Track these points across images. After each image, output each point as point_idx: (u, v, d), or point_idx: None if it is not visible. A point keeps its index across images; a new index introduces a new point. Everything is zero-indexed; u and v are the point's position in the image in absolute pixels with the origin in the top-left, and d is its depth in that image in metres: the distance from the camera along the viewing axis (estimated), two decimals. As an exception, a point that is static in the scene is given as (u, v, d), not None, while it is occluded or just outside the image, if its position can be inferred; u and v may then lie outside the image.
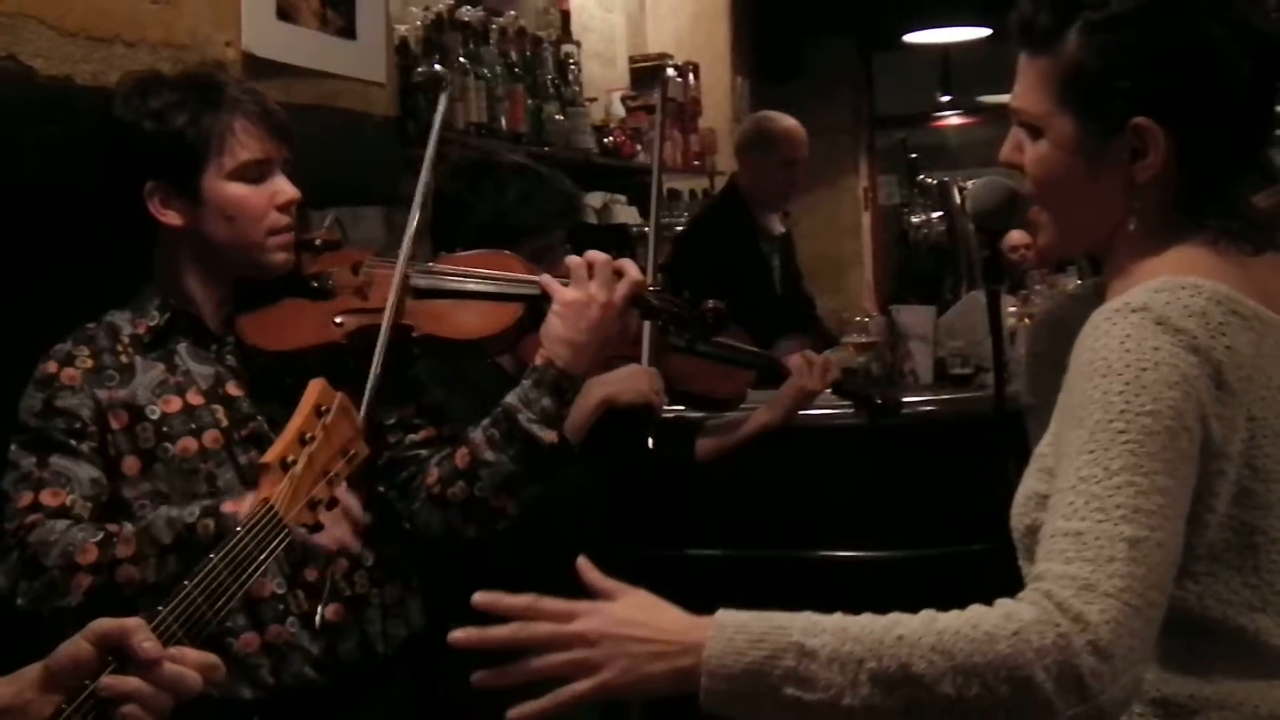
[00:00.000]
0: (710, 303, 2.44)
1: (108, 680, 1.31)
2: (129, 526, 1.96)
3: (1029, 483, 1.55)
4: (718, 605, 3.58)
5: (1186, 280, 1.41)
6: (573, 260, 2.16)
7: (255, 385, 2.12)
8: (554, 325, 2.12)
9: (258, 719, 2.05)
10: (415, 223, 2.19)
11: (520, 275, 2.20)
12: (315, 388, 1.70)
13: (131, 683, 1.31)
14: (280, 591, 2.05)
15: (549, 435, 2.11)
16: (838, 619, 1.33)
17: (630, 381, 2.64)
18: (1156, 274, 1.43)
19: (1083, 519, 1.30)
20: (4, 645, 1.63)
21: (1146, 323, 1.37)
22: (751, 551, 3.69)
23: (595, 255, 2.16)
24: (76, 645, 1.33)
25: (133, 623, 1.35)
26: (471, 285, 2.19)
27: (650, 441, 2.68)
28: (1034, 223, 1.58)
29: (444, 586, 2.32)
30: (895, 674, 1.26)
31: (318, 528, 1.69)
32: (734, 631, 1.33)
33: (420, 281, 2.17)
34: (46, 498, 1.96)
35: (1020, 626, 1.25)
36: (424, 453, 2.18)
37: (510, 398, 2.12)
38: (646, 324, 2.70)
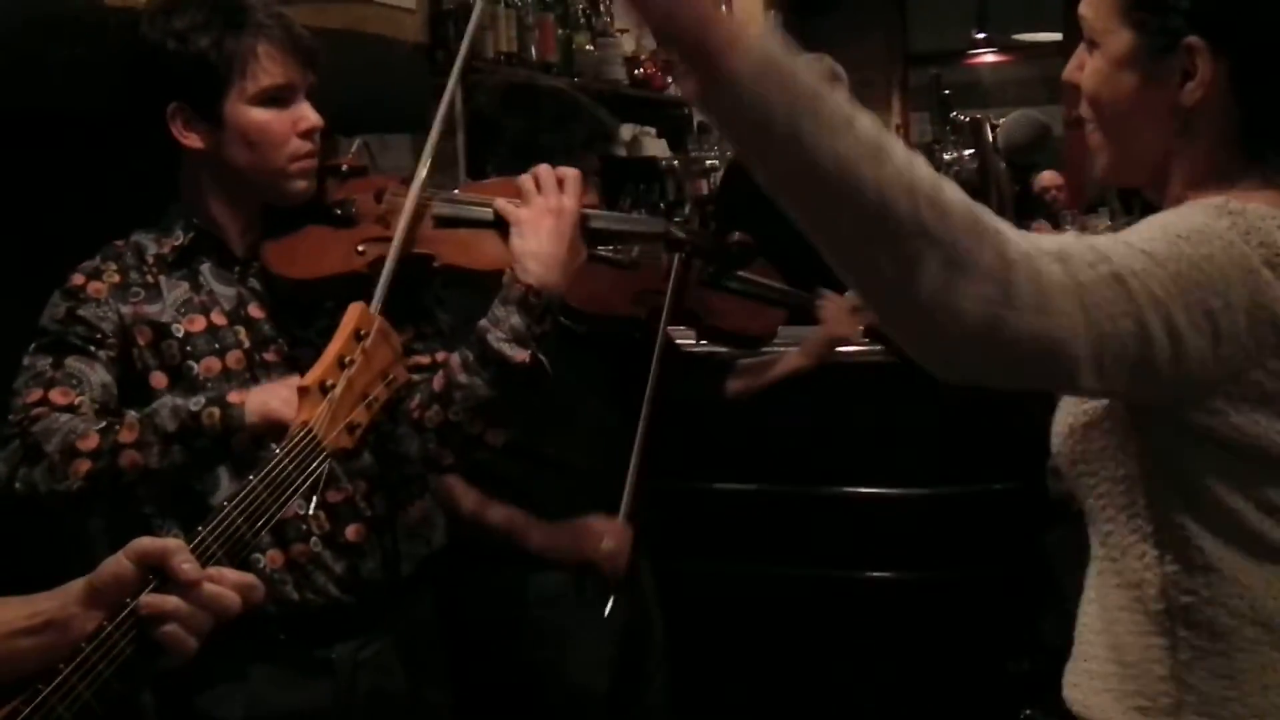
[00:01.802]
0: (736, 235, 2.44)
1: (148, 599, 1.33)
2: (132, 414, 1.96)
3: (1069, 414, 1.55)
4: (744, 540, 3.62)
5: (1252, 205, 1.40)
6: (519, 180, 2.13)
7: (278, 309, 2.13)
8: (515, 243, 2.08)
9: (283, 635, 2.07)
10: (431, 149, 2.15)
11: (483, 198, 2.17)
12: (354, 311, 1.71)
13: (171, 602, 1.33)
14: (303, 512, 2.07)
15: (519, 354, 2.03)
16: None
17: (571, 538, 2.63)
18: None
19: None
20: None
21: (1229, 219, 1.37)
22: (779, 486, 3.70)
23: (539, 168, 2.13)
24: (118, 563, 1.35)
25: (174, 543, 1.37)
26: (492, 214, 2.16)
27: (607, 607, 2.61)
28: (1092, 147, 1.56)
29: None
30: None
31: (357, 452, 1.69)
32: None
33: (443, 210, 2.15)
34: (55, 396, 1.97)
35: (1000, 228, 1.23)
36: (416, 377, 2.13)
37: (483, 320, 2.07)
38: (675, 258, 2.69)
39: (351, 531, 2.12)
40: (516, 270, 2.06)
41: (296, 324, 2.13)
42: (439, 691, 2.29)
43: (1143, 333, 1.27)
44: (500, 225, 2.13)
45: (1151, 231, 1.35)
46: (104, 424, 1.94)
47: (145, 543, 1.36)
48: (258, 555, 2.03)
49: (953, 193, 1.19)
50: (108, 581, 1.35)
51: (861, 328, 3.07)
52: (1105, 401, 1.48)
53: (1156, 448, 1.45)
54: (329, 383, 1.63)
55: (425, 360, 2.17)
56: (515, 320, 2.04)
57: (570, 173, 2.13)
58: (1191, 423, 1.39)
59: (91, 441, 1.92)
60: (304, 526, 2.08)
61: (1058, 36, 9.17)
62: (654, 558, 2.96)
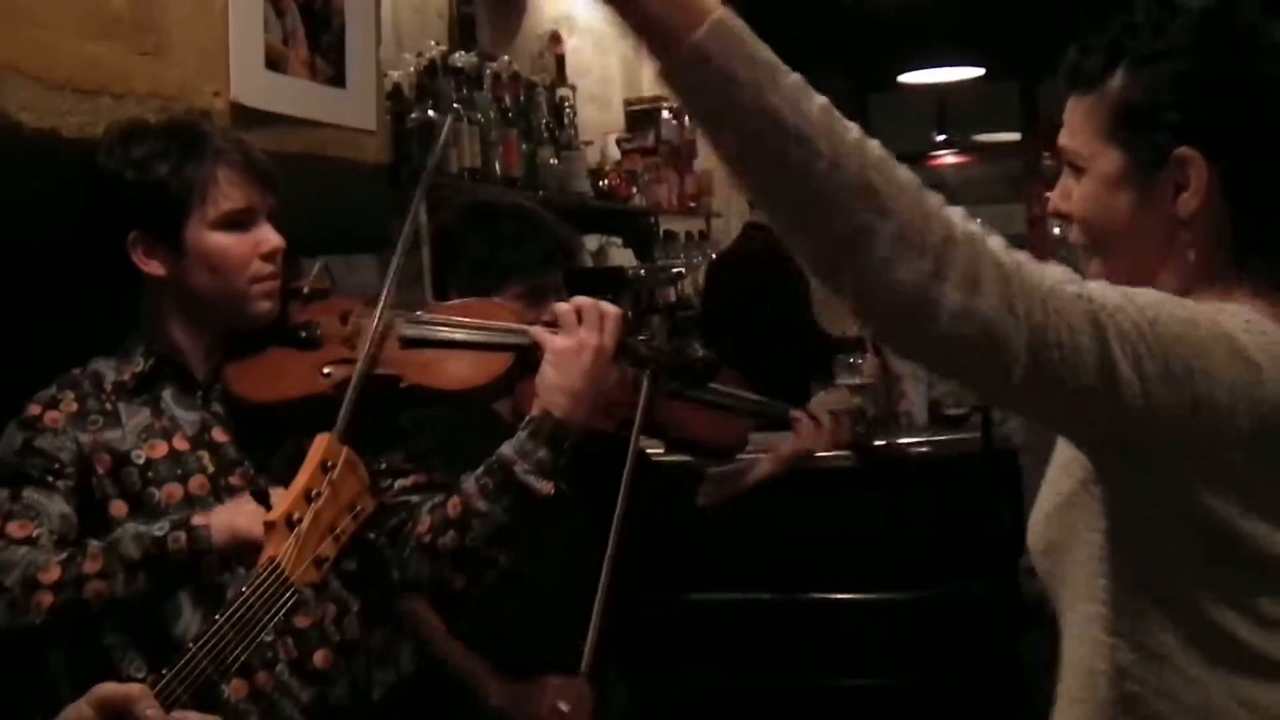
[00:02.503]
0: (700, 351, 2.45)
1: None
2: (95, 543, 1.94)
3: (1045, 503, 1.54)
4: (722, 651, 3.61)
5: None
6: (560, 307, 2.14)
7: (242, 433, 2.12)
8: (548, 375, 2.10)
9: None
10: (395, 270, 2.16)
11: (510, 324, 2.19)
12: (321, 442, 1.69)
13: None
14: (269, 639, 2.04)
15: (545, 487, 2.07)
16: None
17: (525, 697, 2.58)
18: None
19: None
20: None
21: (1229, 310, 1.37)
22: (750, 594, 3.70)
23: (582, 301, 2.15)
24: (79, 710, 1.32)
25: (136, 689, 1.34)
26: (460, 335, 2.18)
27: None
28: (1086, 269, 1.54)
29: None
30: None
31: (324, 586, 1.68)
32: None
33: (408, 331, 2.16)
34: (13, 529, 1.95)
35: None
36: (414, 499, 2.15)
37: (505, 448, 2.09)
38: (643, 375, 2.69)
39: (319, 658, 2.09)
40: (545, 403, 2.09)
41: (261, 448, 2.11)
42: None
43: (1105, 360, 1.25)
44: (520, 349, 2.14)
45: (1143, 290, 1.34)
46: (66, 555, 1.92)
47: (107, 689, 1.34)
48: (221, 687, 2.00)
49: (903, 171, 1.22)
50: None
51: (833, 442, 3.10)
52: (1078, 481, 1.46)
53: (1124, 527, 1.42)
54: (295, 516, 1.61)
55: (418, 480, 2.17)
56: (543, 454, 2.07)
57: (612, 310, 2.15)
58: (1161, 495, 1.37)
59: (54, 574, 1.89)
60: (269, 654, 2.05)
61: (1016, 136, 9.33)
62: (632, 672, 2.93)
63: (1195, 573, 1.39)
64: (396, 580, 2.15)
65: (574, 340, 2.11)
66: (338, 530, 1.66)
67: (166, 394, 2.11)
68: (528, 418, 2.12)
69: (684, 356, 2.39)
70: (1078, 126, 1.51)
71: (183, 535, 1.90)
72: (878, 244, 1.19)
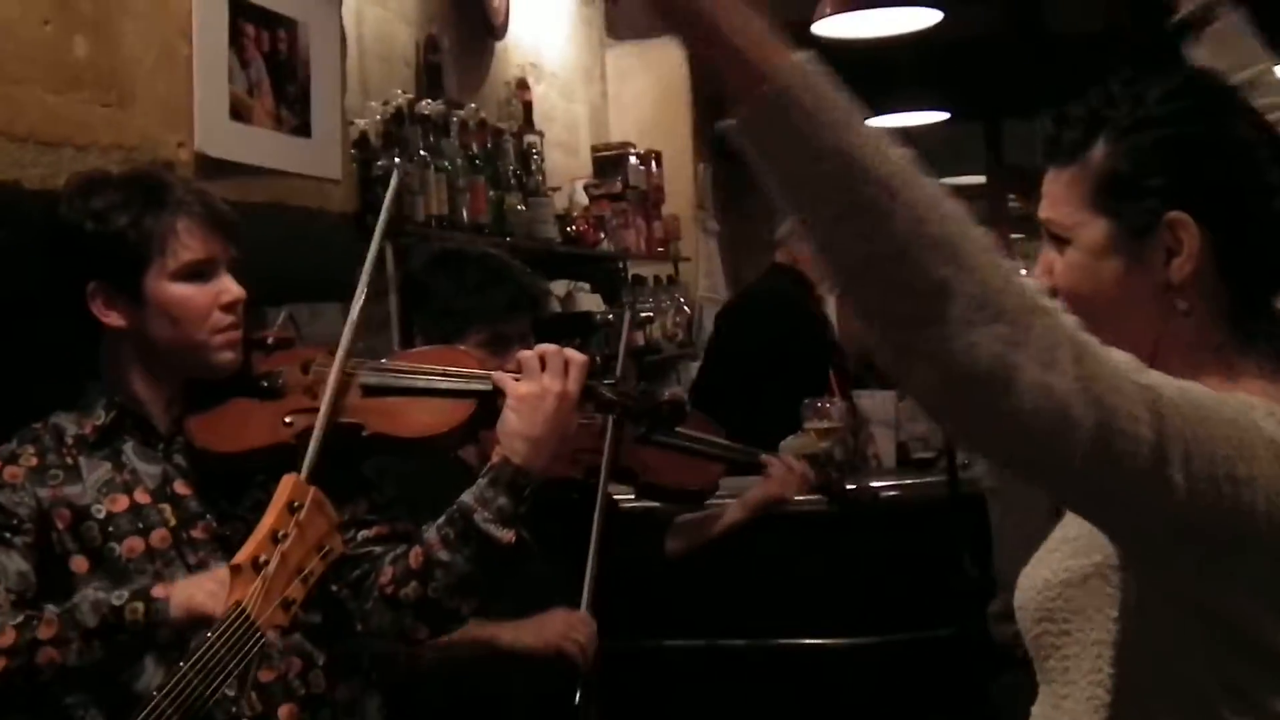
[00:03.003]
0: (667, 394, 2.45)
1: None
2: (51, 608, 1.93)
3: (1045, 570, 1.52)
4: (688, 693, 3.60)
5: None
6: (523, 355, 2.14)
7: (204, 485, 2.11)
8: (510, 421, 2.10)
9: None
10: (353, 319, 2.16)
11: (472, 370, 2.18)
12: (288, 483, 1.70)
13: None
14: (232, 693, 2.02)
15: (506, 535, 2.06)
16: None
17: (538, 630, 2.61)
18: None
19: None
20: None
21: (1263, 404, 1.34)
22: (720, 640, 3.70)
23: (546, 347, 2.14)
24: None
25: None
26: (422, 382, 2.17)
27: (576, 696, 2.62)
28: None
29: (403, 684, 2.33)
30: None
31: (292, 629, 1.66)
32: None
33: (369, 379, 2.15)
34: None
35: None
36: (377, 549, 2.14)
37: (466, 496, 2.09)
38: (608, 420, 2.70)
39: (284, 712, 2.07)
40: (505, 450, 2.08)
41: (225, 499, 2.10)
42: None
43: (1158, 453, 1.22)
44: (483, 395, 2.13)
45: (1193, 385, 1.31)
46: (21, 619, 1.91)
47: None
48: None
49: (982, 230, 1.19)
50: None
51: (804, 487, 3.09)
52: (1094, 563, 1.45)
53: (1140, 617, 1.41)
54: (262, 558, 1.61)
55: (381, 531, 2.16)
56: (503, 502, 2.06)
57: (577, 358, 2.14)
58: (1184, 591, 1.35)
59: (7, 638, 1.88)
60: (233, 709, 2.02)
61: (981, 179, 9.40)
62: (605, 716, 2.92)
63: (1208, 670, 1.37)
64: (360, 632, 2.13)
65: (537, 386, 2.10)
66: (306, 571, 1.66)
67: (128, 447, 2.10)
68: (488, 465, 2.11)
69: (650, 400, 2.39)
70: (1060, 198, 1.49)
71: (140, 606, 1.89)
72: (956, 303, 1.15)
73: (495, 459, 2.10)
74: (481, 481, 2.09)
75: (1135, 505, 1.26)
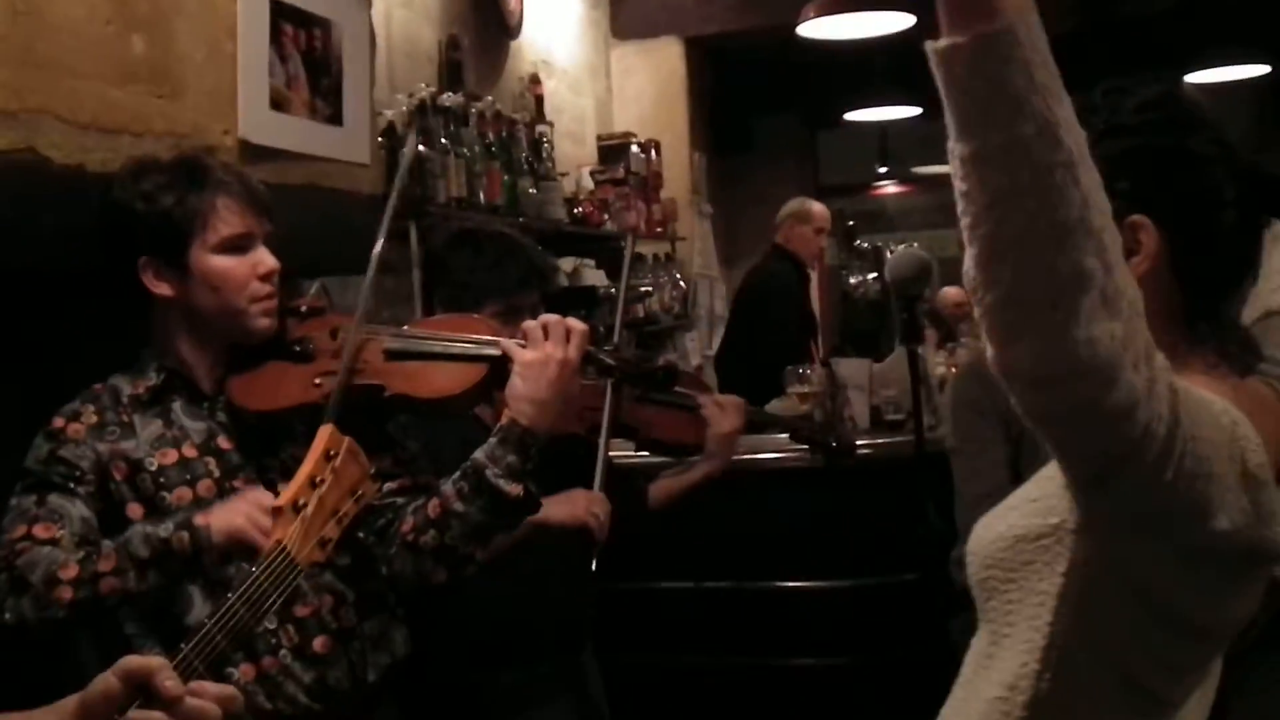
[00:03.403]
0: (661, 359, 2.46)
1: (134, 714, 1.31)
2: (108, 543, 1.95)
3: (1001, 524, 1.51)
4: (682, 634, 3.60)
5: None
6: (528, 324, 2.14)
7: (244, 439, 2.12)
8: (516, 385, 2.10)
9: None
10: (369, 287, 2.15)
11: (484, 337, 2.18)
12: (324, 433, 1.70)
13: (155, 717, 1.32)
14: (272, 626, 2.05)
15: (514, 489, 2.07)
16: None
17: (566, 505, 2.61)
18: None
19: None
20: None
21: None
22: (707, 583, 3.73)
23: (549, 317, 2.15)
24: (107, 681, 1.33)
25: (157, 662, 1.34)
26: (439, 347, 2.17)
27: (593, 563, 2.65)
28: None
29: (427, 617, 2.35)
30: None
31: (328, 564, 1.66)
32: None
33: (392, 344, 2.16)
34: (38, 530, 1.95)
35: None
36: (399, 500, 2.16)
37: (478, 453, 2.10)
38: (608, 383, 2.70)
39: (319, 643, 2.09)
40: (513, 412, 2.09)
41: (263, 453, 2.12)
42: (403, 790, 2.25)
43: (1166, 451, 1.22)
44: (493, 360, 2.13)
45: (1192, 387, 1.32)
46: (83, 554, 1.93)
47: (131, 661, 1.34)
48: (230, 669, 2.00)
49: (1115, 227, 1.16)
50: (97, 699, 1.33)
51: (739, 415, 3.04)
52: (1052, 525, 1.45)
53: (1084, 579, 1.41)
54: (300, 501, 1.62)
55: (403, 484, 2.18)
56: (511, 459, 2.07)
57: (578, 326, 2.15)
58: (1130, 564, 1.37)
59: (72, 571, 1.90)
60: (274, 640, 2.05)
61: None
62: (601, 654, 2.94)
63: (1136, 634, 1.40)
64: (384, 574, 2.15)
65: (540, 353, 2.10)
66: (340, 513, 1.67)
67: (176, 405, 2.11)
68: (498, 426, 2.12)
69: (646, 364, 2.40)
70: None
71: (185, 535, 1.91)
72: (1091, 294, 1.12)
73: (504, 420, 2.11)
74: (492, 440, 2.10)
75: (1130, 487, 1.27)
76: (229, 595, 1.49)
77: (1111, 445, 1.22)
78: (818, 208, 6.33)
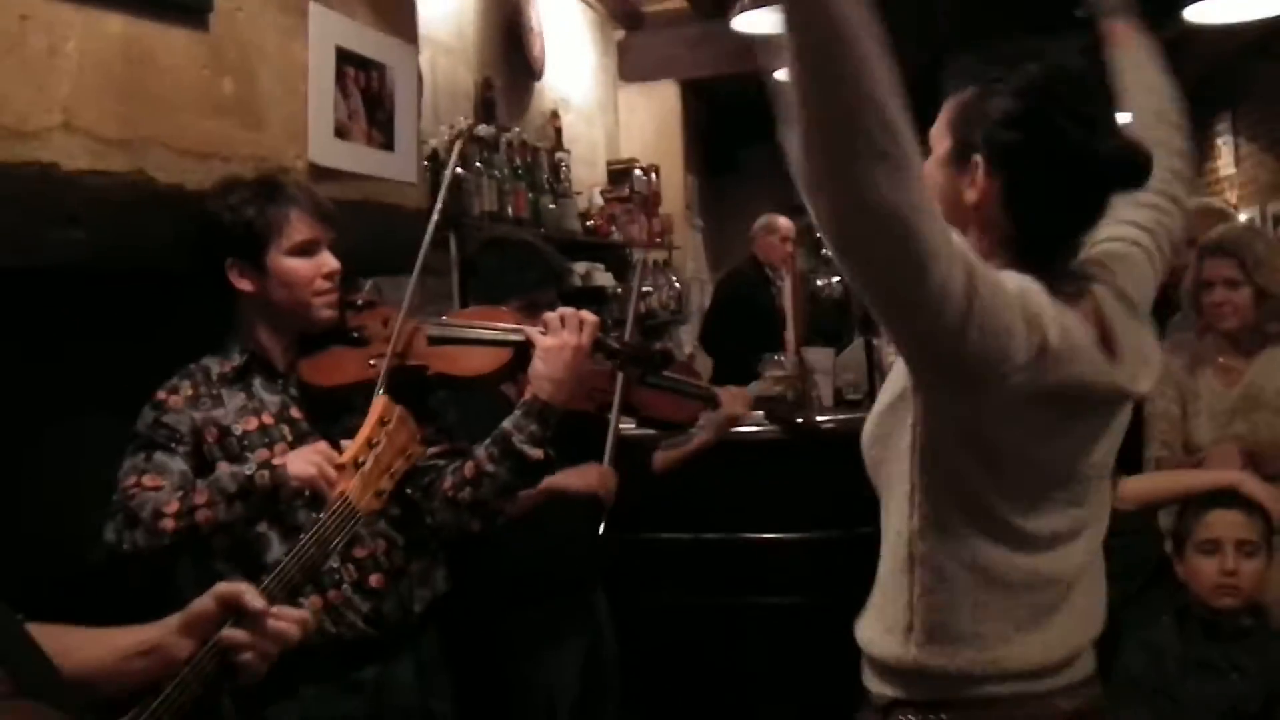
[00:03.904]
0: (658, 345, 2.48)
1: (228, 632, 1.34)
2: (202, 482, 1.97)
3: (876, 407, 1.56)
4: (678, 578, 3.59)
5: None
6: (548, 315, 2.16)
7: (312, 411, 2.15)
8: (537, 367, 2.13)
9: (326, 661, 2.06)
10: (415, 284, 2.18)
11: (510, 325, 2.20)
12: (380, 403, 1.71)
13: (246, 635, 1.34)
14: (336, 565, 2.08)
15: (535, 453, 2.10)
16: None
17: (581, 476, 2.64)
18: None
19: None
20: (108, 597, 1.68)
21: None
22: (698, 535, 3.74)
23: (565, 310, 2.17)
24: (203, 603, 1.36)
25: (244, 586, 1.38)
26: (472, 334, 2.20)
27: (601, 527, 2.68)
28: None
29: (464, 562, 2.38)
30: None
31: (383, 511, 1.69)
32: None
33: (433, 332, 2.19)
34: (146, 480, 1.98)
35: None
36: (440, 463, 2.18)
37: (506, 423, 2.12)
38: (615, 365, 2.72)
39: (374, 580, 2.12)
40: (535, 389, 2.11)
41: (327, 422, 2.13)
42: (444, 704, 2.28)
43: (965, 313, 1.27)
44: (517, 345, 2.16)
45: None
46: (181, 493, 1.96)
47: (223, 586, 1.37)
48: (301, 599, 2.03)
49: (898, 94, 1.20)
50: (196, 617, 1.36)
51: (747, 404, 3.12)
52: (900, 388, 1.49)
53: (929, 430, 1.44)
54: (360, 459, 1.63)
55: (444, 449, 2.20)
56: (534, 428, 2.10)
57: (590, 318, 2.17)
58: (956, 414, 1.40)
59: (173, 506, 1.93)
60: (337, 576, 2.08)
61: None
62: (610, 594, 2.97)
63: (978, 472, 1.43)
64: (428, 524, 2.18)
65: (558, 340, 2.12)
66: (393, 469, 1.67)
67: (256, 382, 2.13)
68: (522, 400, 2.14)
69: (645, 349, 2.43)
70: (941, 118, 1.54)
71: (266, 473, 1.93)
72: (878, 160, 1.18)
73: (527, 395, 2.13)
74: (517, 413, 2.13)
75: (937, 344, 1.31)
76: (302, 536, 1.51)
77: (913, 294, 1.25)
78: (783, 220, 6.25)
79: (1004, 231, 1.47)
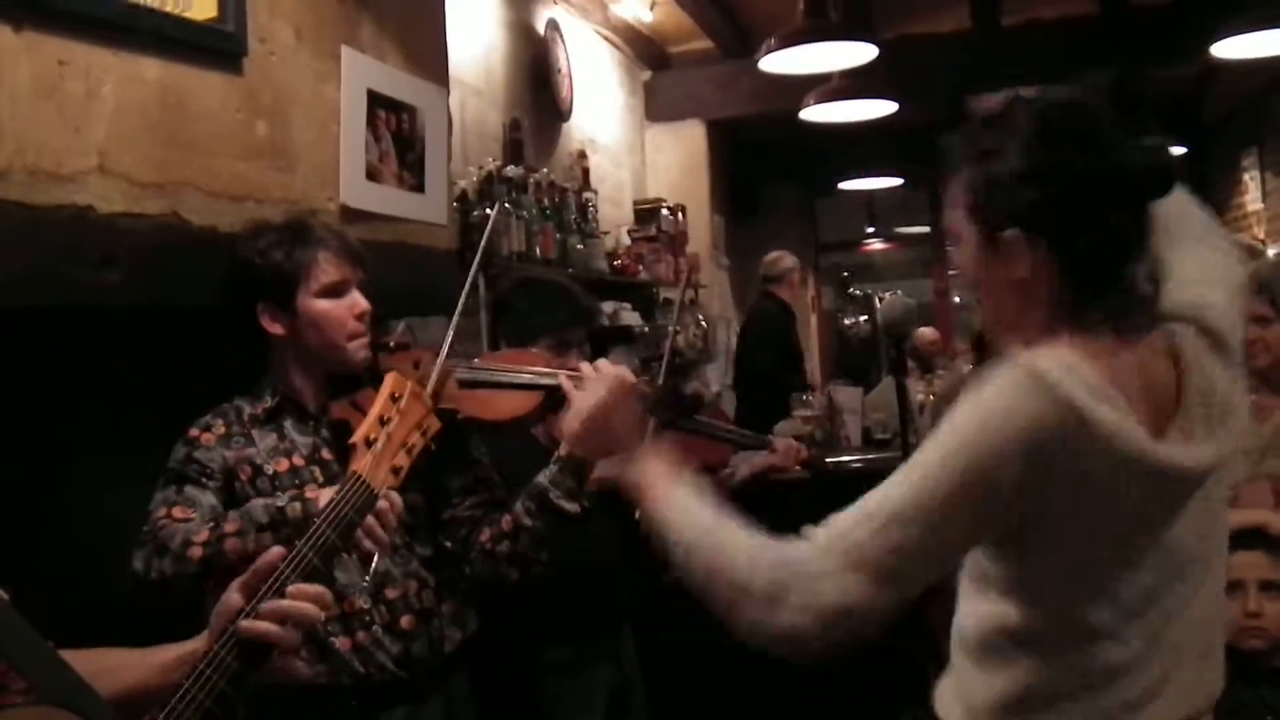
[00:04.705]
0: (689, 389, 2.46)
1: (244, 622, 1.30)
2: (234, 512, 1.95)
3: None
4: (700, 613, 3.57)
5: (1059, 353, 1.35)
6: (584, 367, 2.13)
7: (343, 453, 2.10)
8: (571, 424, 2.04)
9: (354, 702, 2.05)
10: (452, 331, 2.15)
11: (541, 370, 2.20)
12: (390, 379, 1.67)
13: (262, 621, 1.31)
14: (366, 606, 2.07)
15: (573, 507, 2.12)
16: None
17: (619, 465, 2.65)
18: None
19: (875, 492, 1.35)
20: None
21: (1018, 373, 1.31)
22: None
23: (602, 363, 2.13)
24: (229, 598, 1.33)
25: (263, 557, 1.36)
26: (503, 378, 2.19)
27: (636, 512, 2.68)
28: (978, 321, 1.58)
29: (493, 603, 2.35)
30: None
31: (400, 487, 1.66)
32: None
33: (464, 375, 2.17)
34: (176, 512, 1.97)
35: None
36: (478, 514, 2.18)
37: (541, 478, 2.13)
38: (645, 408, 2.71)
39: (405, 621, 2.10)
40: (569, 443, 2.08)
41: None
42: (473, 744, 2.26)
43: (934, 542, 1.30)
44: (548, 389, 2.14)
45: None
46: (212, 523, 1.95)
47: (241, 578, 1.35)
48: (333, 639, 2.02)
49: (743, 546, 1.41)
50: (226, 614, 1.33)
51: (798, 460, 3.13)
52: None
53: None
54: (372, 437, 1.59)
55: (482, 499, 2.19)
56: (570, 484, 2.12)
57: (627, 376, 2.12)
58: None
59: (203, 535, 1.92)
60: (368, 618, 2.06)
61: (927, 229, 9.37)
62: (635, 632, 2.94)
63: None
64: (466, 574, 2.17)
65: (593, 397, 2.07)
66: (409, 445, 1.62)
67: (288, 423, 2.12)
68: (557, 456, 2.14)
69: (677, 393, 2.41)
70: (949, 207, 1.47)
71: (298, 505, 1.92)
72: (762, 600, 1.34)
73: (562, 452, 2.13)
74: (553, 467, 2.13)
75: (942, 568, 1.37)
76: (314, 520, 1.46)
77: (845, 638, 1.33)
78: (796, 262, 6.53)
79: (1060, 293, 1.39)
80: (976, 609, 1.46)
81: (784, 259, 6.20)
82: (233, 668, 1.28)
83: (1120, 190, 1.38)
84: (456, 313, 2.19)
